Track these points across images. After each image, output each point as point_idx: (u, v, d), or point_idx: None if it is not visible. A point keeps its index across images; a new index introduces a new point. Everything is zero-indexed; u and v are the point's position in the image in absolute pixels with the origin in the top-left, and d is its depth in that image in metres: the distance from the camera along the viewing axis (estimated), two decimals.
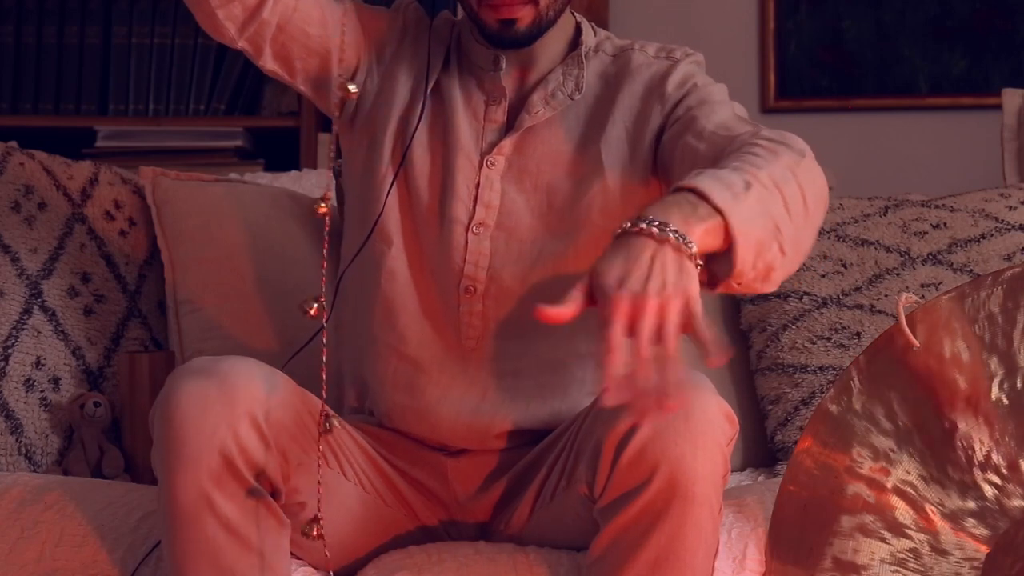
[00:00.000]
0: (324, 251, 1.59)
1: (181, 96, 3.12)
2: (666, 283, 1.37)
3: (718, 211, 1.43)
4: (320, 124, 3.10)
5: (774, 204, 1.50)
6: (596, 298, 1.40)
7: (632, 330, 1.36)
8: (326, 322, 1.55)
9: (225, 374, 1.56)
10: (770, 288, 1.52)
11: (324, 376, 1.55)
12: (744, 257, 1.45)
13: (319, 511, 1.56)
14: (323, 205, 1.53)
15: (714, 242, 1.44)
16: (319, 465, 1.61)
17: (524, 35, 1.75)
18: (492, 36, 1.77)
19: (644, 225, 1.41)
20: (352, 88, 1.61)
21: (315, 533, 1.55)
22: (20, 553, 1.74)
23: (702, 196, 1.44)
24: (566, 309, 1.40)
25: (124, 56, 3.13)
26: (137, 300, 2.24)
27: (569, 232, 1.77)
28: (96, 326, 2.17)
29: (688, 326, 1.38)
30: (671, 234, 1.40)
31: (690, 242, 1.40)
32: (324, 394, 1.56)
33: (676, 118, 1.76)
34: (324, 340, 1.55)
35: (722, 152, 1.63)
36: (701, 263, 1.42)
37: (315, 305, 1.51)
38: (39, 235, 2.17)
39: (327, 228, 1.59)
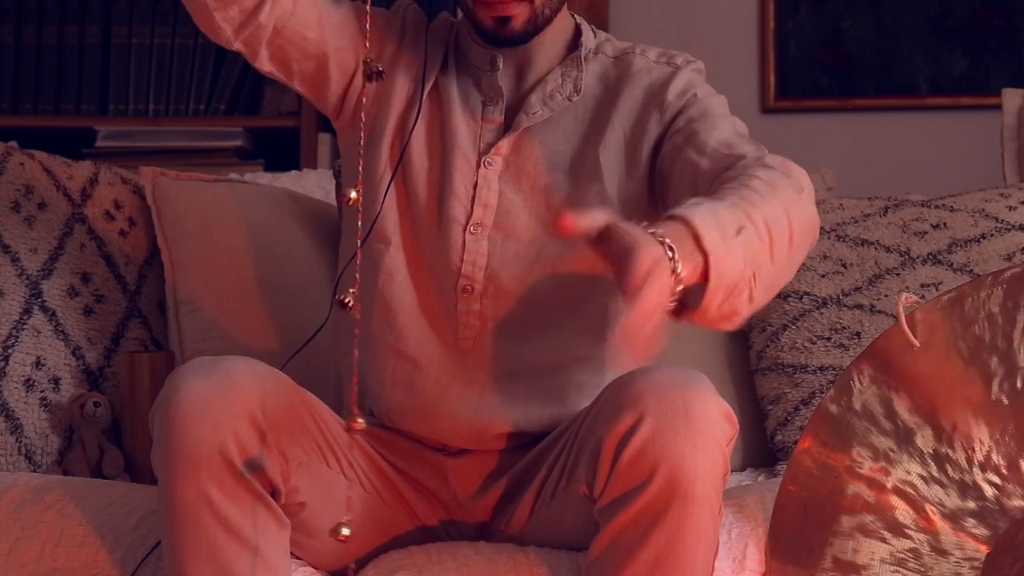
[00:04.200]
0: (359, 240, 1.57)
1: (181, 96, 3.12)
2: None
3: (704, 253, 1.44)
4: (320, 124, 3.10)
5: (760, 250, 1.51)
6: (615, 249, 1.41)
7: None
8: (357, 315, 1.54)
9: (225, 374, 1.56)
10: (730, 328, 1.53)
11: (354, 373, 1.52)
12: (713, 298, 1.46)
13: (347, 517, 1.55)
14: (355, 192, 1.53)
15: (693, 278, 1.45)
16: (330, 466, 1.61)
17: (520, 33, 1.75)
18: (488, 34, 1.77)
19: (658, 237, 1.42)
20: (380, 67, 1.61)
21: (340, 537, 1.54)
22: (20, 553, 1.74)
23: (695, 235, 1.44)
24: (584, 225, 1.41)
25: (124, 56, 3.12)
26: (137, 300, 2.24)
27: None
28: (96, 326, 2.17)
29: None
30: (671, 255, 1.41)
31: (681, 274, 1.42)
32: (354, 388, 1.53)
33: (676, 129, 1.76)
34: (356, 332, 1.54)
35: (724, 171, 1.64)
36: (677, 296, 1.43)
37: (350, 298, 1.50)
38: (39, 235, 2.17)
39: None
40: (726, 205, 1.50)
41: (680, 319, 1.46)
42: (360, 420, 1.51)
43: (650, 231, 1.43)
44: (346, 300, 1.50)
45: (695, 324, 1.48)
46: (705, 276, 1.45)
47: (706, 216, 1.47)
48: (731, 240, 1.46)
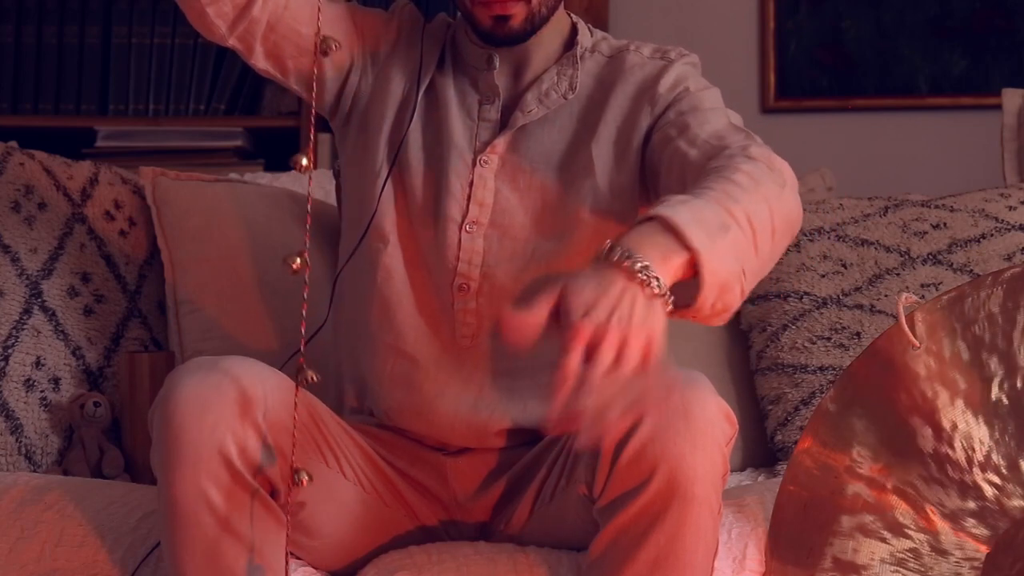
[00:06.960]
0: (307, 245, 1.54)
1: (181, 96, 3.12)
2: (632, 318, 1.39)
3: (692, 251, 1.44)
4: (320, 124, 3.09)
5: (745, 246, 1.51)
6: (561, 319, 1.41)
7: (589, 357, 1.38)
8: (307, 277, 1.49)
9: (224, 374, 1.56)
10: (720, 323, 1.53)
11: (302, 330, 1.50)
12: (707, 296, 1.46)
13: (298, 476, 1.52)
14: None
15: (682, 274, 1.45)
16: (323, 462, 1.61)
17: (517, 32, 1.76)
18: (485, 33, 1.77)
19: (620, 259, 1.42)
20: (333, 45, 1.60)
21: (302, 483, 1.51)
22: (20, 553, 1.74)
23: (678, 234, 1.45)
24: (532, 318, 1.41)
25: (124, 56, 3.13)
26: (137, 300, 2.24)
27: (562, 232, 1.77)
28: (96, 326, 2.17)
29: (645, 365, 1.39)
30: (643, 274, 1.41)
31: (662, 284, 1.42)
32: (302, 345, 1.50)
33: (667, 121, 1.76)
34: (305, 294, 1.49)
35: (710, 160, 1.64)
36: (671, 301, 1.43)
37: (297, 259, 1.47)
38: (39, 235, 2.17)
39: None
40: (707, 202, 1.51)
41: (673, 316, 1.46)
42: (311, 373, 1.48)
43: (603, 252, 1.43)
44: (291, 263, 1.45)
45: (687, 319, 1.49)
46: (695, 273, 1.45)
47: (685, 214, 1.47)
48: (718, 238, 1.47)
